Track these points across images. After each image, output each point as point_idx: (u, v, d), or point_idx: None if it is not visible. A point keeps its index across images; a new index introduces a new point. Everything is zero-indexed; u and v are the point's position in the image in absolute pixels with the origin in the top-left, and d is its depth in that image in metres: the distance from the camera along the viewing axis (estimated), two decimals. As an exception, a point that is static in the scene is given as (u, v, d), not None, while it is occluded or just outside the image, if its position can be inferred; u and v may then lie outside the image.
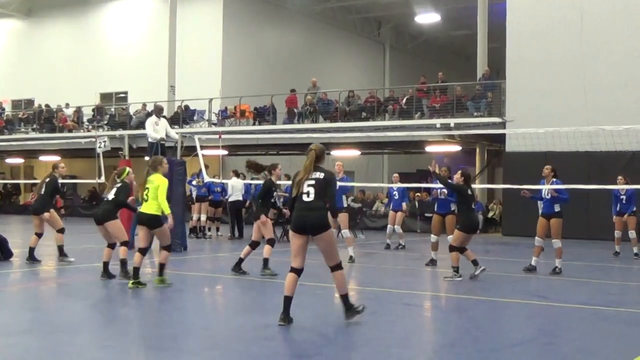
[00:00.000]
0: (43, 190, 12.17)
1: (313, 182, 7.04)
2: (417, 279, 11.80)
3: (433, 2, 32.84)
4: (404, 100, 24.17)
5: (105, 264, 10.31)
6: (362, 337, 6.78)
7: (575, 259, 14.75)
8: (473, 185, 15.36)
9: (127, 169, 10.97)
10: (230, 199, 18.73)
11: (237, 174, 19.09)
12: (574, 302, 9.09)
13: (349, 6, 36.18)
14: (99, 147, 15.82)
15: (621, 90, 19.98)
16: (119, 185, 10.52)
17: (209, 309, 8.73)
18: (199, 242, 17.61)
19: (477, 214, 11.34)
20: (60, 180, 12.82)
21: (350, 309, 7.28)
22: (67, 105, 30.69)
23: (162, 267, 9.77)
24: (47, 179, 12.24)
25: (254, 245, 10.85)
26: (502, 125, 21.47)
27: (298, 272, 7.17)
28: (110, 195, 10.44)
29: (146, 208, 9.48)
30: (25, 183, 33.60)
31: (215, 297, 9.85)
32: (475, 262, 11.02)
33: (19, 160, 34.83)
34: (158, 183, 9.46)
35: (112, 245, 10.47)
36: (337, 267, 7.16)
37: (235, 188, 18.61)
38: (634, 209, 14.87)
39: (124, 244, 10.35)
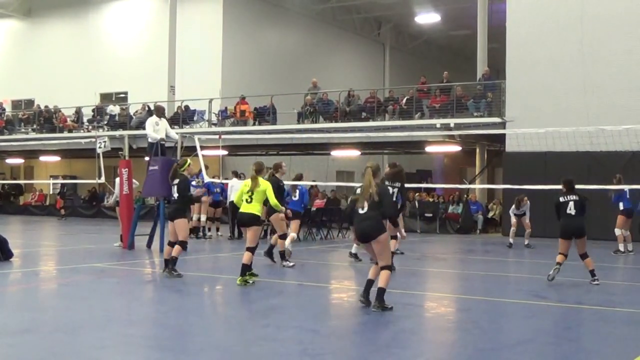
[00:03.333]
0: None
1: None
2: (417, 278, 11.79)
3: (433, 2, 32.85)
4: (404, 101, 24.18)
5: (174, 259, 10.66)
6: (361, 337, 6.78)
7: (575, 259, 14.74)
8: (473, 186, 15.55)
9: (188, 160, 11.11)
10: (230, 199, 18.71)
11: (236, 175, 19.08)
12: (574, 302, 9.09)
13: (349, 6, 36.18)
14: (99, 147, 15.82)
15: (621, 90, 19.97)
16: (177, 181, 10.77)
17: (209, 309, 8.73)
18: (199, 243, 17.61)
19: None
20: (63, 182, 12.85)
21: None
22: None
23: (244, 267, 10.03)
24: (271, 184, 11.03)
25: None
26: (502, 125, 21.47)
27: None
28: (175, 194, 10.77)
29: (247, 208, 9.91)
30: (25, 183, 33.72)
31: (215, 298, 9.85)
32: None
33: (19, 161, 34.84)
34: (264, 187, 9.93)
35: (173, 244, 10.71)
36: (387, 267, 8.09)
37: (236, 188, 18.59)
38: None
39: (181, 243, 10.60)
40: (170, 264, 10.54)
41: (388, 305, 7.91)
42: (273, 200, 10.16)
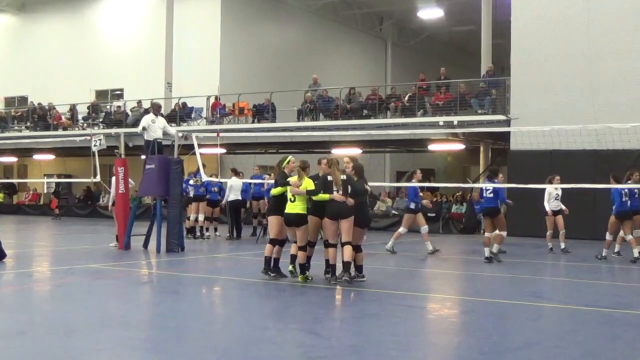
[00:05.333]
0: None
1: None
2: (420, 280, 11.79)
3: (436, -3, 32.85)
4: (407, 98, 24.17)
5: (274, 260, 10.63)
6: (363, 340, 6.78)
7: (581, 259, 14.75)
8: (477, 185, 15.48)
9: (289, 157, 10.84)
10: (229, 199, 18.72)
11: (236, 173, 19.07)
12: (580, 304, 9.08)
13: (350, 1, 36.17)
14: (94, 145, 15.81)
15: (629, 86, 19.94)
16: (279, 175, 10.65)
17: (207, 311, 8.73)
18: (197, 243, 17.61)
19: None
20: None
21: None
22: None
23: (296, 262, 10.31)
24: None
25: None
26: (507, 123, 21.44)
27: (335, 245, 10.13)
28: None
29: (292, 209, 10.13)
30: (19, 182, 33.71)
31: (213, 299, 9.85)
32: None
33: (12, 159, 34.83)
34: (305, 185, 10.05)
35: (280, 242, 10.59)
36: (349, 243, 9.99)
37: (235, 187, 18.60)
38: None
39: (277, 242, 10.50)
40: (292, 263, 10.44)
41: (352, 275, 9.86)
42: (320, 196, 10.02)
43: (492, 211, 13.73)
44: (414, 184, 15.34)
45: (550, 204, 15.77)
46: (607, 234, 14.56)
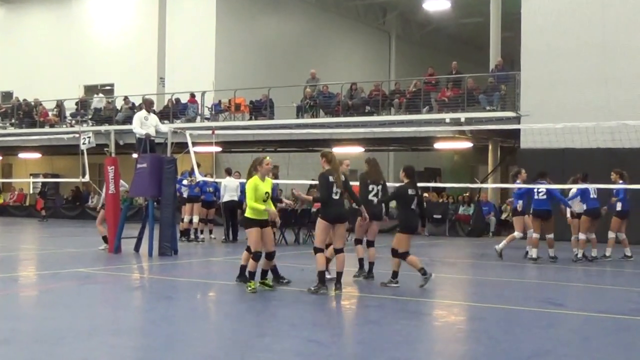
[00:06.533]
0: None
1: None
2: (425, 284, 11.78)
3: (442, -13, 32.85)
4: (412, 86, 24.16)
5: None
6: (365, 348, 6.78)
7: (595, 263, 14.75)
8: (485, 185, 15.52)
9: (267, 156, 10.28)
10: (224, 200, 18.73)
11: (229, 173, 19.09)
12: (594, 311, 9.08)
13: (352, -8, 36.24)
14: (83, 143, 15.81)
15: (645, 82, 19.96)
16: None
17: (201, 317, 8.73)
18: (191, 246, 17.63)
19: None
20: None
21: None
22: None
23: (243, 268, 10.24)
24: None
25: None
26: (517, 120, 21.46)
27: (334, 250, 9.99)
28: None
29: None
30: (3, 182, 33.72)
31: (207, 305, 9.86)
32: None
33: (-4, 158, 34.89)
34: (246, 186, 9.83)
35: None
36: (342, 250, 9.84)
37: (229, 188, 18.61)
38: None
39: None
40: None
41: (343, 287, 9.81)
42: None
43: (545, 214, 14.38)
44: (520, 185, 15.09)
45: (575, 206, 15.38)
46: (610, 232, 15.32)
